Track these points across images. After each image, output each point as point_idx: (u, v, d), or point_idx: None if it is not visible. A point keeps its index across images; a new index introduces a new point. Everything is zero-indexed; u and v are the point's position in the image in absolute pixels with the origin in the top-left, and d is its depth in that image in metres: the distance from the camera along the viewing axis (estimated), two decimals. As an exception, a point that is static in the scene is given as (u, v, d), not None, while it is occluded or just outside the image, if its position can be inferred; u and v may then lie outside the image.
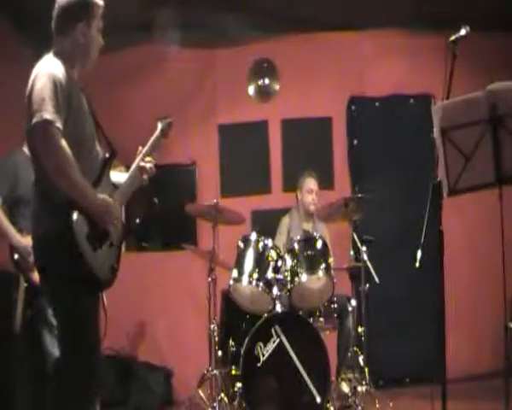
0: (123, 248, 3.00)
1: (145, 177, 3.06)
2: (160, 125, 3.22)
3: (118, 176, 3.06)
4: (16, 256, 4.14)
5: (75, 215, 2.63)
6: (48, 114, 2.57)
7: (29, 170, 4.24)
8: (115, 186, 2.96)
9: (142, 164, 3.04)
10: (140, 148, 3.11)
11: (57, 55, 2.81)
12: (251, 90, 6.25)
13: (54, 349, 4.19)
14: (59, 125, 2.58)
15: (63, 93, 2.65)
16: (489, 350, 5.61)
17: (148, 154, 3.09)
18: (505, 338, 3.35)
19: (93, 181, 2.76)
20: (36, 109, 2.59)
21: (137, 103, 5.90)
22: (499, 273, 3.26)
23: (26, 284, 4.15)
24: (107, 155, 2.89)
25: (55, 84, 2.63)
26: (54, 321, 4.18)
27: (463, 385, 5.14)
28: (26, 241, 4.14)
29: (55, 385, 2.82)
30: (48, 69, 2.69)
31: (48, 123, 2.57)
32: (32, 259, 4.10)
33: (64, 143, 2.59)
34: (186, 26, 5.57)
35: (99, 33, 2.90)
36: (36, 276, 4.13)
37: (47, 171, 2.64)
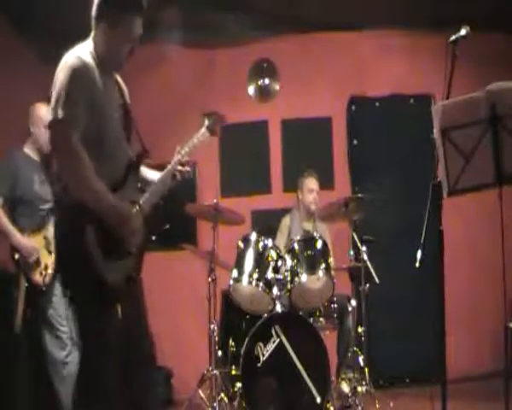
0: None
1: (180, 178, 2.92)
2: (206, 121, 3.07)
3: (151, 174, 2.93)
4: (17, 256, 4.14)
5: (88, 222, 2.53)
6: (62, 112, 2.51)
7: (29, 170, 4.29)
8: (142, 190, 2.82)
9: (179, 167, 2.91)
10: (178, 147, 2.97)
11: (88, 49, 2.73)
12: (251, 90, 6.25)
13: (54, 349, 4.20)
14: (73, 123, 2.52)
15: (83, 88, 2.57)
16: (489, 350, 5.61)
17: (188, 153, 2.95)
18: (505, 338, 3.36)
19: (115, 183, 2.65)
20: (53, 106, 2.55)
21: (137, 104, 5.89)
22: (499, 273, 3.27)
23: (26, 284, 4.15)
24: (134, 156, 2.80)
25: (76, 79, 2.56)
26: (54, 321, 4.20)
27: (463, 385, 5.14)
28: (27, 241, 4.15)
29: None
30: (71, 61, 2.60)
31: (61, 122, 2.51)
32: (32, 258, 4.14)
33: (78, 143, 2.51)
34: (186, 26, 5.57)
35: (130, 40, 2.75)
36: (36, 276, 4.15)
37: (60, 171, 2.60)
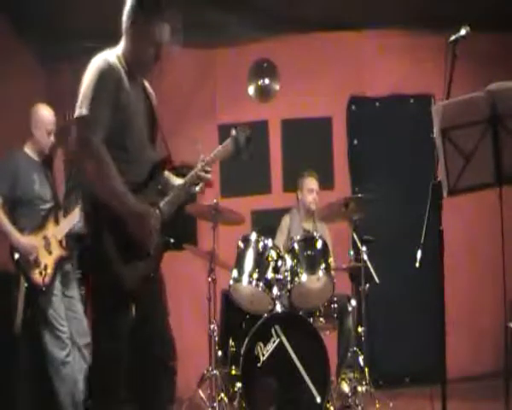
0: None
1: (202, 187, 2.95)
2: (233, 133, 3.07)
3: (173, 179, 2.96)
4: (17, 256, 4.14)
5: (107, 222, 2.58)
6: (85, 111, 2.57)
7: (29, 170, 4.30)
8: (164, 193, 2.84)
9: (200, 173, 2.92)
10: (202, 155, 2.98)
11: (116, 53, 2.81)
12: (251, 90, 6.25)
13: (54, 349, 4.19)
14: (96, 122, 2.57)
15: (108, 89, 2.63)
16: (489, 350, 5.61)
17: (211, 162, 2.96)
18: (505, 338, 3.36)
19: (137, 185, 2.69)
20: (78, 106, 2.61)
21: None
22: (499, 273, 3.27)
23: (26, 284, 4.15)
24: (157, 160, 2.82)
25: (102, 79, 2.62)
26: (54, 321, 4.20)
27: (463, 385, 5.15)
28: (27, 241, 4.15)
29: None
30: (96, 65, 2.68)
31: (85, 120, 2.57)
32: (32, 258, 4.14)
33: (100, 141, 2.56)
34: (186, 26, 5.57)
35: (158, 47, 2.81)
36: (36, 276, 4.15)
37: (83, 168, 2.63)
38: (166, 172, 2.98)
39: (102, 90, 2.61)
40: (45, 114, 4.33)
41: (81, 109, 2.59)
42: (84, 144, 2.58)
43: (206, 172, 2.95)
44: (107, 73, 2.65)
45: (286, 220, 5.34)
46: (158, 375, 2.86)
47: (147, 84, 2.99)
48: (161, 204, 2.80)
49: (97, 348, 2.74)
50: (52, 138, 4.36)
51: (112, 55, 2.77)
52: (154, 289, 2.88)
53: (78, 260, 2.72)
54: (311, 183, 5.29)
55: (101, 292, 2.67)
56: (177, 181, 2.97)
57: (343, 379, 4.72)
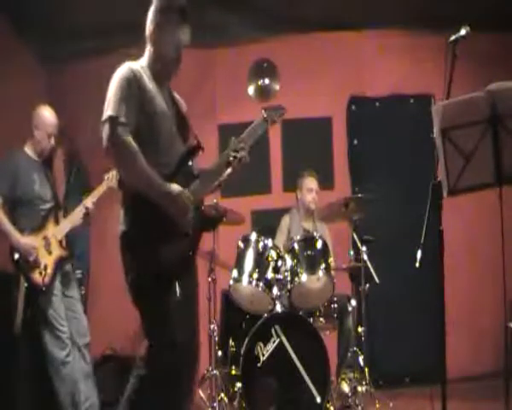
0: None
1: (234, 169, 2.97)
2: (264, 113, 3.14)
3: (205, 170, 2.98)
4: (16, 256, 4.14)
5: (143, 209, 2.68)
6: (112, 110, 2.67)
7: (29, 170, 4.30)
8: (195, 178, 2.88)
9: (232, 154, 2.98)
10: (233, 138, 3.05)
11: (142, 61, 2.93)
12: (251, 90, 6.25)
13: (54, 349, 4.20)
14: (123, 119, 2.67)
15: (131, 93, 2.73)
16: (489, 350, 5.61)
17: (241, 145, 3.01)
18: (505, 338, 3.36)
19: (167, 175, 2.76)
20: (104, 109, 2.72)
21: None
22: (499, 273, 3.27)
23: (26, 284, 4.15)
24: (185, 150, 2.90)
25: (125, 82, 2.74)
26: (54, 321, 4.20)
27: (463, 385, 5.14)
28: (27, 241, 4.15)
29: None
30: (120, 72, 2.79)
31: (111, 119, 2.67)
32: (31, 257, 4.14)
33: (128, 136, 2.67)
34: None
35: (180, 48, 2.94)
36: (36, 276, 4.15)
37: (114, 163, 2.76)
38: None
39: (126, 93, 2.72)
40: (47, 116, 4.33)
41: (107, 111, 2.70)
42: (113, 140, 2.67)
43: (238, 150, 2.99)
44: (130, 79, 2.76)
45: (286, 220, 5.34)
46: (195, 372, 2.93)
47: (175, 93, 3.09)
48: (192, 186, 2.84)
49: (151, 335, 2.76)
50: (52, 141, 4.36)
51: (136, 64, 2.88)
52: (193, 270, 2.94)
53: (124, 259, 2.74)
54: (310, 182, 5.29)
55: (143, 276, 2.70)
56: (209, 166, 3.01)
57: (343, 379, 4.72)
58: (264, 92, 6.25)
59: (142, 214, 2.71)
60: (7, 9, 5.03)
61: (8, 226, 4.15)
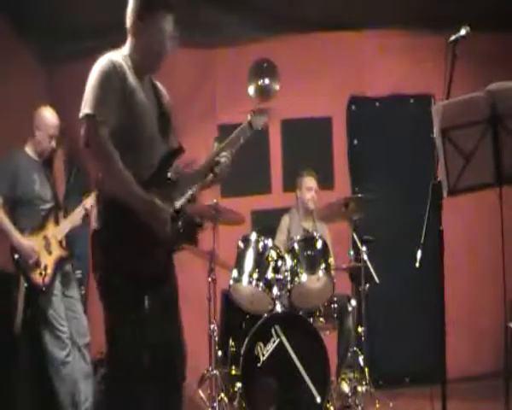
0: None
1: (218, 173, 2.92)
2: (249, 117, 3.05)
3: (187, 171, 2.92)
4: (16, 256, 4.14)
5: (121, 214, 2.61)
6: (90, 108, 2.59)
7: (29, 170, 4.30)
8: (174, 184, 2.83)
9: (216, 159, 2.90)
10: (216, 143, 2.97)
11: (122, 52, 2.82)
12: (251, 90, 6.25)
13: (54, 349, 4.20)
14: (100, 118, 2.58)
15: (111, 87, 2.63)
16: (489, 350, 5.61)
17: (225, 148, 2.94)
18: (505, 338, 3.36)
19: (148, 177, 2.70)
20: (83, 105, 2.63)
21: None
22: (499, 273, 3.27)
23: (26, 284, 4.15)
24: (167, 153, 2.82)
25: (105, 77, 2.64)
26: (54, 321, 4.20)
27: (463, 385, 5.14)
28: (27, 242, 4.15)
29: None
30: (100, 64, 2.69)
31: (89, 117, 2.59)
32: (32, 259, 4.14)
33: (105, 136, 2.57)
34: (186, 26, 5.56)
35: (165, 39, 2.81)
36: (36, 276, 4.15)
37: (92, 163, 2.68)
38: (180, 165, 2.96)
39: (106, 88, 2.62)
40: (49, 117, 4.33)
41: (85, 109, 2.61)
42: (91, 142, 2.59)
43: (222, 157, 2.93)
44: (110, 72, 2.66)
45: (285, 220, 5.34)
46: (179, 379, 2.99)
47: (158, 84, 2.99)
48: (173, 196, 2.79)
49: (114, 346, 2.73)
50: (53, 143, 4.35)
51: (117, 54, 2.77)
52: (169, 283, 2.95)
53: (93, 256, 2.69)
54: (309, 182, 5.30)
55: (116, 286, 2.67)
56: (191, 171, 2.96)
57: (343, 379, 4.72)
58: (264, 92, 6.25)
59: (117, 217, 2.63)
60: (7, 9, 5.02)
61: (9, 226, 4.15)
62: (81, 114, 2.61)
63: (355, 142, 6.18)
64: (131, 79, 2.74)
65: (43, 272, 4.16)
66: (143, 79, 2.85)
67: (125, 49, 2.84)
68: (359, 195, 5.13)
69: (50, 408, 4.24)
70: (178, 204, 2.80)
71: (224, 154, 2.93)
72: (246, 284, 4.42)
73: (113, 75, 2.66)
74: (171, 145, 2.90)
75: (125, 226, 2.63)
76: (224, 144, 2.94)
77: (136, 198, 2.61)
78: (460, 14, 3.77)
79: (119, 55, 2.77)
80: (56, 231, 4.31)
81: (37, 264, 4.15)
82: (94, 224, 2.72)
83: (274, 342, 4.23)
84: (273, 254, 4.55)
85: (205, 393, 4.66)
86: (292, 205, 5.47)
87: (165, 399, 2.82)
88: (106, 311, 2.74)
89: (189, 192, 2.85)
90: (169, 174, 2.79)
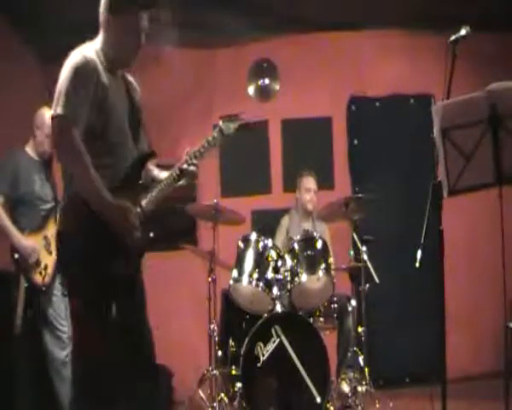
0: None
1: (187, 181, 2.89)
2: (220, 123, 3.02)
3: (159, 173, 2.91)
4: (17, 256, 4.14)
5: (89, 219, 2.57)
6: (61, 108, 2.54)
7: (29, 170, 4.30)
8: (146, 187, 2.82)
9: (184, 166, 2.86)
10: (187, 149, 2.93)
11: (94, 47, 2.76)
12: (251, 90, 6.25)
13: (54, 349, 4.20)
14: (72, 119, 2.54)
15: (84, 85, 2.59)
16: (489, 350, 5.61)
17: (196, 155, 2.90)
18: (505, 338, 3.35)
19: (118, 180, 2.68)
20: (54, 103, 2.58)
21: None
22: (499, 273, 3.27)
23: (26, 284, 4.15)
24: (140, 154, 2.80)
25: (77, 75, 2.58)
26: (54, 321, 4.20)
27: (463, 385, 5.14)
28: (27, 241, 4.15)
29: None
30: (72, 60, 2.64)
31: (59, 117, 2.55)
32: (32, 259, 4.14)
33: (77, 138, 2.53)
34: (186, 26, 5.57)
35: (138, 35, 2.76)
36: (36, 276, 4.15)
37: (62, 165, 2.64)
38: (152, 167, 2.94)
39: (78, 87, 2.57)
40: (49, 117, 4.33)
41: (56, 107, 2.56)
42: (61, 143, 2.56)
43: (191, 165, 2.88)
44: (82, 69, 2.60)
45: (285, 221, 5.34)
46: (153, 374, 2.87)
47: (131, 78, 2.94)
48: (142, 199, 2.77)
49: (81, 349, 2.71)
50: None
51: (89, 49, 2.72)
52: (137, 287, 2.86)
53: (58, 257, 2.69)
54: (308, 182, 5.30)
55: (84, 289, 2.64)
56: (162, 175, 2.92)
57: (343, 379, 4.71)
58: (264, 92, 6.25)
59: (85, 219, 2.59)
60: (7, 9, 5.02)
61: (10, 227, 4.14)
62: (53, 113, 2.57)
63: (355, 142, 6.18)
64: (104, 75, 2.69)
65: (44, 272, 4.17)
66: (116, 75, 2.81)
67: (98, 43, 2.78)
68: (359, 195, 5.13)
69: (50, 408, 4.24)
70: (148, 208, 2.78)
71: (193, 162, 2.89)
72: (246, 283, 4.42)
73: (85, 72, 2.60)
74: (142, 144, 2.88)
75: (92, 228, 2.59)
76: (195, 151, 2.91)
77: (105, 203, 2.58)
78: (460, 14, 3.77)
79: (92, 50, 2.72)
80: (56, 231, 4.30)
81: (37, 264, 4.15)
82: (60, 225, 2.70)
83: (274, 342, 4.23)
84: (273, 254, 4.55)
85: (205, 393, 4.66)
86: (292, 205, 5.47)
87: (140, 387, 2.79)
88: (74, 311, 2.75)
89: (159, 197, 2.83)
90: (140, 178, 2.78)
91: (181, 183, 2.89)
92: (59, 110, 2.54)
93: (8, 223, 4.15)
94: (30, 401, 4.38)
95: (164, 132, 5.60)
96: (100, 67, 2.68)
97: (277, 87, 6.23)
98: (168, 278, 5.93)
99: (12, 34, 5.30)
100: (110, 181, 2.63)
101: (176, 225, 6.01)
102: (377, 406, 4.49)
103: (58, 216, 2.75)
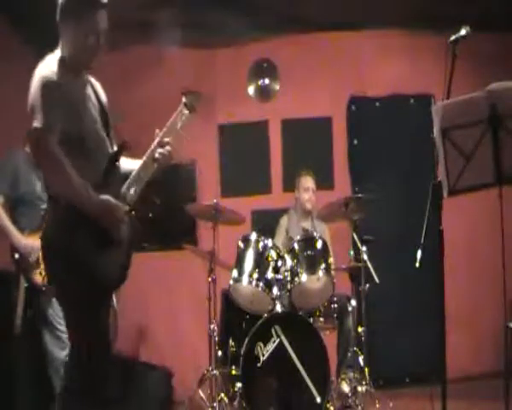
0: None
1: (163, 160, 2.89)
2: (183, 99, 3.02)
3: (133, 163, 2.93)
4: (17, 256, 4.14)
5: (76, 222, 2.62)
6: (38, 121, 2.58)
7: (29, 170, 4.29)
8: (124, 180, 2.85)
9: (158, 148, 2.89)
10: (157, 130, 2.94)
11: (56, 56, 2.80)
12: (251, 90, 6.25)
13: (54, 349, 4.19)
14: (50, 131, 2.58)
15: (55, 95, 2.63)
16: (489, 350, 5.61)
17: (167, 134, 2.92)
18: (505, 338, 3.36)
19: (98, 180, 2.72)
20: (32, 116, 2.61)
21: (137, 103, 5.90)
22: (499, 273, 3.27)
23: (26, 284, 4.15)
24: (113, 150, 2.83)
25: (46, 87, 2.63)
26: (54, 321, 4.20)
27: (463, 385, 5.14)
28: (27, 241, 4.14)
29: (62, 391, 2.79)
30: (41, 72, 2.69)
31: (37, 131, 2.58)
32: (32, 258, 4.14)
33: (56, 147, 2.58)
34: (186, 26, 5.57)
35: (97, 34, 2.79)
36: (36, 276, 4.15)
37: (44, 175, 2.71)
38: (125, 160, 2.95)
39: (49, 97, 2.61)
40: None
41: (34, 122, 2.59)
42: (42, 152, 2.61)
43: (163, 146, 2.90)
44: (50, 80, 2.65)
45: (284, 221, 5.34)
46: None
47: (94, 80, 2.97)
48: (123, 190, 2.81)
49: (80, 352, 2.73)
50: None
51: (53, 58, 2.77)
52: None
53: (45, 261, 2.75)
54: (306, 181, 5.29)
55: (77, 288, 2.68)
56: (137, 163, 2.94)
57: (343, 379, 4.71)
58: (264, 92, 6.26)
59: (72, 222, 2.65)
60: (7, 9, 5.02)
61: (10, 226, 4.14)
62: (32, 127, 2.59)
63: (355, 142, 6.18)
64: (71, 81, 2.74)
65: (44, 272, 4.16)
66: (81, 79, 2.85)
67: (59, 51, 2.83)
68: (359, 195, 5.13)
69: (50, 408, 4.24)
70: (131, 201, 2.82)
71: (165, 140, 2.91)
72: (246, 283, 4.42)
73: (53, 83, 2.65)
74: (113, 142, 2.91)
75: (80, 230, 2.64)
76: (163, 131, 2.92)
77: (93, 202, 2.64)
78: (460, 14, 3.77)
79: (56, 59, 2.77)
80: (56, 231, 4.30)
81: (37, 264, 4.15)
82: (46, 229, 2.75)
83: (274, 342, 4.23)
84: (273, 254, 4.55)
85: (205, 393, 4.66)
86: (292, 206, 5.46)
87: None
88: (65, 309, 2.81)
89: (139, 187, 2.85)
90: (118, 173, 2.82)
91: (157, 165, 2.90)
92: (36, 124, 2.58)
93: (8, 223, 4.15)
94: (30, 401, 4.38)
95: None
96: (66, 76, 2.72)
97: (277, 87, 6.23)
98: (168, 278, 5.93)
99: (12, 34, 5.30)
100: (90, 182, 2.67)
101: (176, 225, 6.02)
102: (377, 406, 4.49)
103: (46, 221, 2.80)
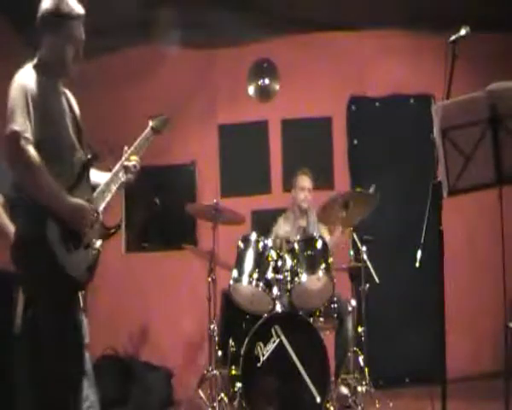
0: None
1: (130, 176, 3.09)
2: (150, 123, 3.27)
3: (102, 176, 3.08)
4: (16, 256, 4.13)
5: (48, 219, 2.69)
6: (16, 125, 2.65)
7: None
8: (95, 188, 2.99)
9: (125, 163, 3.09)
10: (126, 147, 3.14)
11: (35, 65, 2.88)
12: (251, 90, 6.25)
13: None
14: (27, 134, 2.65)
15: (33, 102, 2.71)
16: (489, 350, 5.61)
17: (134, 153, 3.14)
18: (505, 338, 3.36)
19: (70, 185, 2.81)
20: (7, 120, 2.69)
21: (137, 103, 5.90)
22: (499, 273, 3.28)
23: (26, 284, 4.14)
24: (86, 158, 2.93)
25: (25, 94, 2.72)
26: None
27: (463, 385, 5.14)
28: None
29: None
30: (19, 80, 2.78)
31: (15, 134, 2.64)
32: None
33: (32, 151, 2.65)
34: (186, 26, 5.57)
35: (74, 44, 2.88)
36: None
37: (17, 178, 2.77)
38: (95, 172, 3.08)
39: (26, 101, 2.70)
40: None
41: (10, 124, 2.66)
42: (18, 155, 2.66)
43: (131, 161, 3.11)
44: (27, 87, 2.74)
45: (279, 223, 5.34)
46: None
47: (68, 91, 3.04)
48: (94, 196, 2.94)
49: (43, 355, 2.79)
50: None
51: (30, 68, 2.85)
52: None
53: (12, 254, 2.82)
54: (303, 181, 5.28)
55: (47, 289, 2.75)
56: (105, 176, 3.09)
57: (343, 380, 4.71)
58: (264, 92, 6.26)
59: (42, 224, 2.70)
60: (7, 9, 5.02)
61: (10, 225, 4.14)
62: (7, 131, 2.66)
63: (355, 142, 6.18)
64: (47, 88, 2.82)
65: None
66: (57, 87, 2.93)
67: (37, 58, 2.90)
68: (358, 190, 5.11)
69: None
70: (101, 207, 2.96)
71: (133, 158, 3.13)
72: (246, 283, 4.42)
73: (29, 90, 2.74)
74: (87, 152, 3.00)
75: (50, 232, 2.70)
76: (132, 150, 3.15)
77: (65, 204, 2.72)
78: (460, 14, 3.77)
79: (33, 67, 2.85)
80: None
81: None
82: (18, 232, 2.80)
83: (274, 342, 4.23)
84: (273, 254, 4.55)
85: (205, 393, 4.67)
86: (290, 206, 5.46)
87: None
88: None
89: (108, 196, 3.02)
90: (88, 181, 2.95)
91: (124, 179, 3.09)
92: (15, 127, 2.66)
93: (7, 222, 4.15)
94: (30, 401, 4.37)
95: (165, 132, 5.60)
96: (43, 82, 2.81)
97: (277, 87, 6.23)
98: (168, 278, 5.93)
99: (14, 36, 5.30)
100: (63, 185, 2.76)
101: (176, 225, 6.02)
102: (377, 406, 4.50)
103: (18, 224, 2.86)
